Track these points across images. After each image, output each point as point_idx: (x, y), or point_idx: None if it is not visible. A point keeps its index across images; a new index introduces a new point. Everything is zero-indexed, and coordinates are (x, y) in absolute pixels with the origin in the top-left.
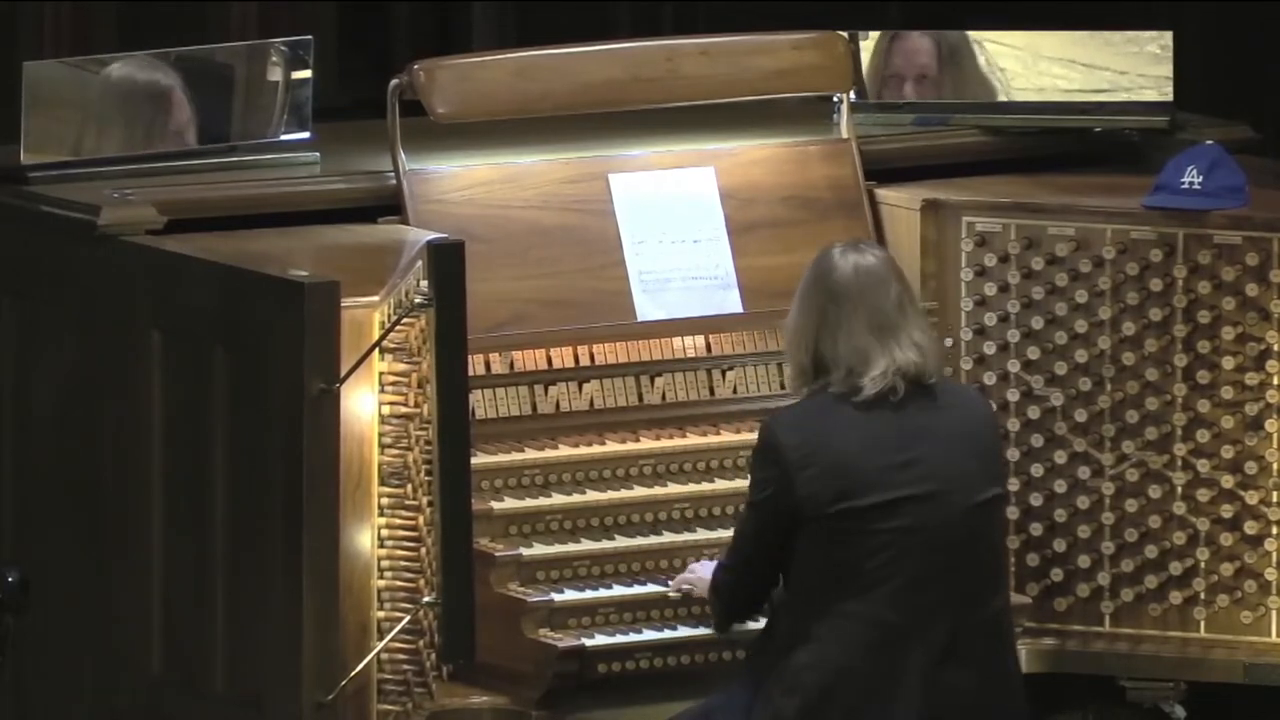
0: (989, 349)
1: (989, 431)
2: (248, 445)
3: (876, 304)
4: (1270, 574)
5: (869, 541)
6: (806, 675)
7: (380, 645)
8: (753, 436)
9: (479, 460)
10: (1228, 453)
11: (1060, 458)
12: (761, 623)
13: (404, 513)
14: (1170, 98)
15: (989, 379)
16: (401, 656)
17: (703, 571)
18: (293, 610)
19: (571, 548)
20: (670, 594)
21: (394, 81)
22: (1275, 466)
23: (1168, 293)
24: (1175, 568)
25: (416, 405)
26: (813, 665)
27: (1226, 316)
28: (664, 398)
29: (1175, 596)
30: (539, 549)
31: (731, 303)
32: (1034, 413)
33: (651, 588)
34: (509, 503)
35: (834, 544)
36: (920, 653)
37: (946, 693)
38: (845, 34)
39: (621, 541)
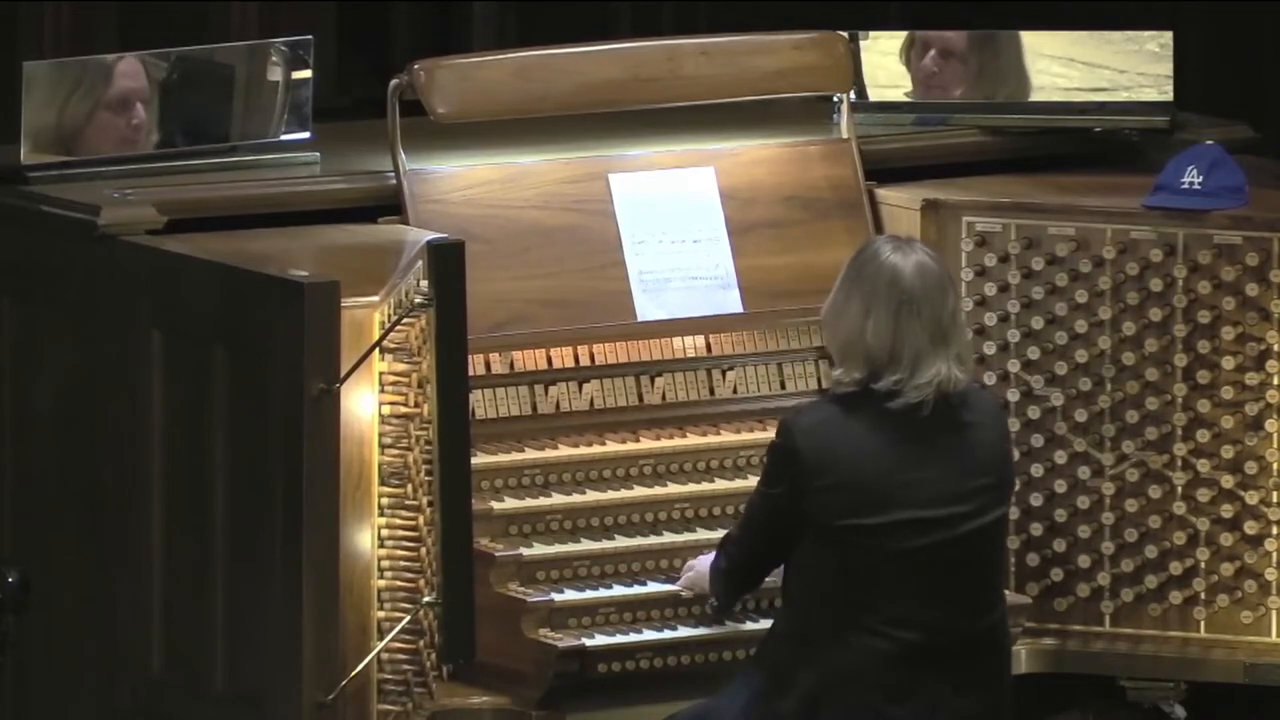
0: (989, 349)
1: (1003, 446)
2: (248, 445)
3: (936, 314)
4: (1270, 574)
5: (874, 556)
6: (803, 676)
7: (380, 645)
8: (753, 436)
9: (479, 460)
10: (1228, 453)
11: (1060, 458)
12: (763, 623)
13: (404, 513)
14: (1170, 96)
15: (989, 379)
16: (401, 656)
17: (701, 566)
18: (293, 610)
19: (571, 548)
20: (682, 593)
21: (394, 81)
22: (1275, 466)
23: (1168, 293)
24: (1175, 568)
25: (416, 405)
26: (810, 666)
27: (1226, 316)
28: (664, 398)
29: (1175, 596)
30: (539, 549)
31: (731, 303)
32: (1034, 413)
33: (652, 587)
34: (509, 503)
35: (839, 554)
36: (917, 663)
37: (941, 703)
38: (845, 34)
39: (621, 541)
